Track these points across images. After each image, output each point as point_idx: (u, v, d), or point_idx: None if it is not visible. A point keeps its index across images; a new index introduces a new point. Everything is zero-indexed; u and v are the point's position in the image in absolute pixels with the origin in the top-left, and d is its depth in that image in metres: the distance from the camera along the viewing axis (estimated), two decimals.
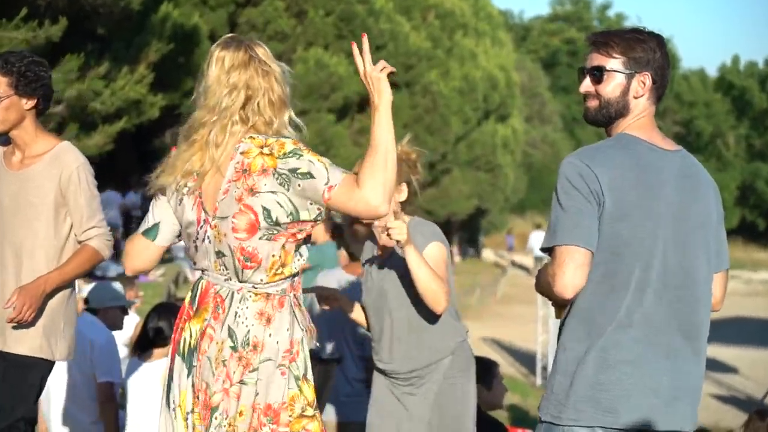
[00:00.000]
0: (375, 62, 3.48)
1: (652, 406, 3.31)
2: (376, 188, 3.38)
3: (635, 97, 3.45)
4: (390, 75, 3.48)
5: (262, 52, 3.61)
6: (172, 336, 3.72)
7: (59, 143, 4.82)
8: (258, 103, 3.56)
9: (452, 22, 34.28)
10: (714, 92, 63.01)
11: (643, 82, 3.45)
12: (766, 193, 58.75)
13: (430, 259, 4.56)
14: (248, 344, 3.52)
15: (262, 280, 3.54)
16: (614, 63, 3.44)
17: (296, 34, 26.78)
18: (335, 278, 6.46)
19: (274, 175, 3.45)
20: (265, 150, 3.47)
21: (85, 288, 9.54)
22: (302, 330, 3.62)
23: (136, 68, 18.26)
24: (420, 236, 4.59)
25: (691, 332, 3.40)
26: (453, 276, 4.85)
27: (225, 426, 3.53)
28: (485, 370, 5.75)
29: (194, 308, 3.63)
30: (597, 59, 3.47)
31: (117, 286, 7.01)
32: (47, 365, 4.77)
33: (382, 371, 4.77)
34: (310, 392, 3.61)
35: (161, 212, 3.71)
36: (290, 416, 3.56)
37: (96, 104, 16.78)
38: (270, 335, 3.54)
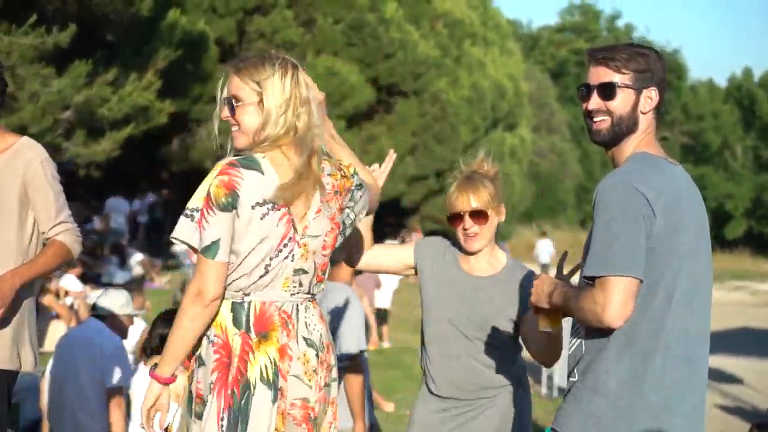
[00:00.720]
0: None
1: (692, 426, 3.30)
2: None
3: (642, 113, 3.39)
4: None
5: None
6: (226, 376, 3.47)
7: (19, 139, 4.49)
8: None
9: (461, 31, 34.28)
10: (723, 103, 62.91)
11: (650, 97, 3.39)
12: None
13: None
14: (324, 348, 3.63)
15: (322, 288, 3.68)
16: (624, 78, 3.36)
17: (305, 42, 26.80)
18: (344, 294, 5.98)
19: (349, 193, 3.68)
20: (342, 172, 3.67)
21: (92, 295, 9.55)
22: None
23: (144, 74, 18.31)
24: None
25: (706, 341, 3.39)
26: None
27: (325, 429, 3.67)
28: None
29: (254, 334, 3.48)
30: (605, 75, 3.38)
31: (124, 294, 7.00)
32: (13, 376, 4.45)
33: (441, 396, 4.35)
34: None
35: (220, 229, 3.41)
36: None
37: (104, 110, 16.83)
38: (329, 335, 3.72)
